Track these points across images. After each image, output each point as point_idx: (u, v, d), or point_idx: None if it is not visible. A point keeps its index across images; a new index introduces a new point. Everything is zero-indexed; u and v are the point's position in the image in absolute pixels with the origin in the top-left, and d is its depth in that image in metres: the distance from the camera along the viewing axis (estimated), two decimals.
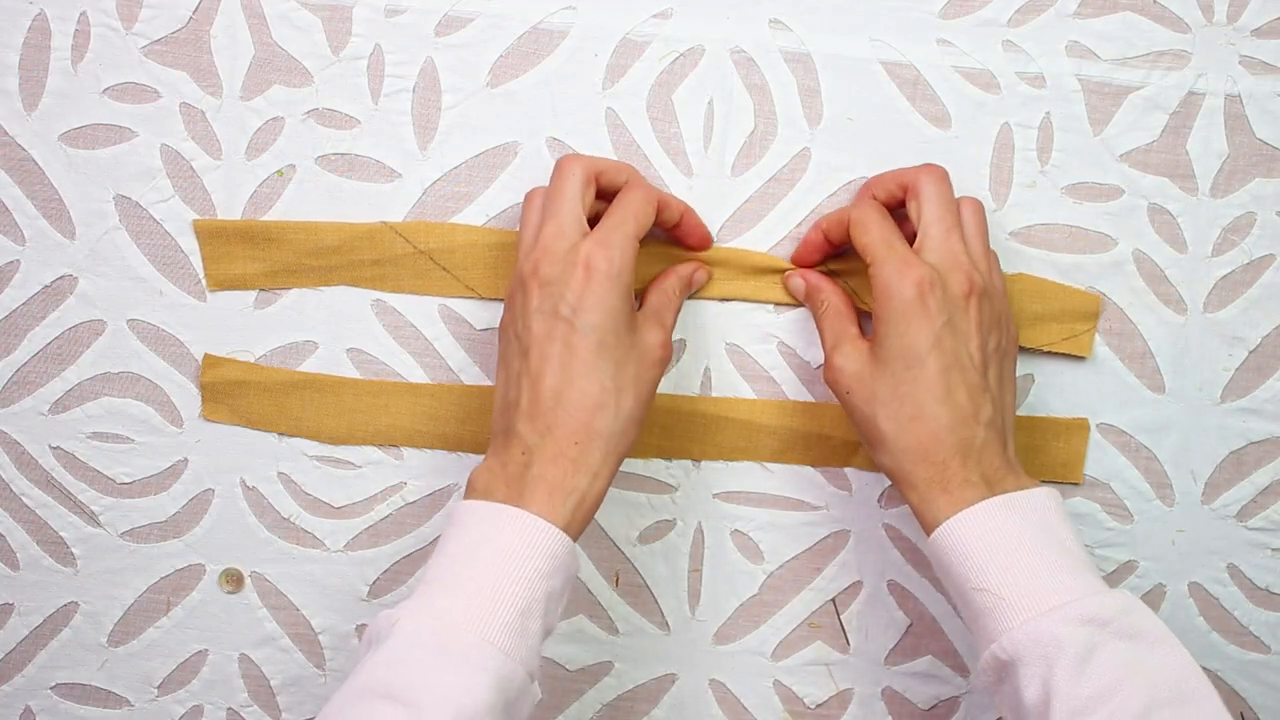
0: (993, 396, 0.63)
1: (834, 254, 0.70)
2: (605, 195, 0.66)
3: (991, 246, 0.70)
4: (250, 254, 0.70)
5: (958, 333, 0.63)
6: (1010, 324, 0.66)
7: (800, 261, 0.70)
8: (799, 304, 0.71)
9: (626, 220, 0.64)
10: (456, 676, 0.56)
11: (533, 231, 0.65)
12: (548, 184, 0.65)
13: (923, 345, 0.62)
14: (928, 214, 0.65)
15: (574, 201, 0.64)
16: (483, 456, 0.72)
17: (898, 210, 0.67)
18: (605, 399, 0.62)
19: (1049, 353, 0.71)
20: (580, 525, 0.62)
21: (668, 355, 0.65)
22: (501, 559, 0.59)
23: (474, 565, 0.59)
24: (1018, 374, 0.71)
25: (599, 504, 0.62)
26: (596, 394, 0.61)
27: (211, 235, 0.70)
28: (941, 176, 0.66)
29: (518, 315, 0.63)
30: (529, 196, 0.67)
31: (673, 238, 0.69)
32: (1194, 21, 0.70)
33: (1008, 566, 0.59)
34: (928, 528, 0.62)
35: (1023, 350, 0.71)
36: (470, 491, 0.62)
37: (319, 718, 0.56)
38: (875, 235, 0.65)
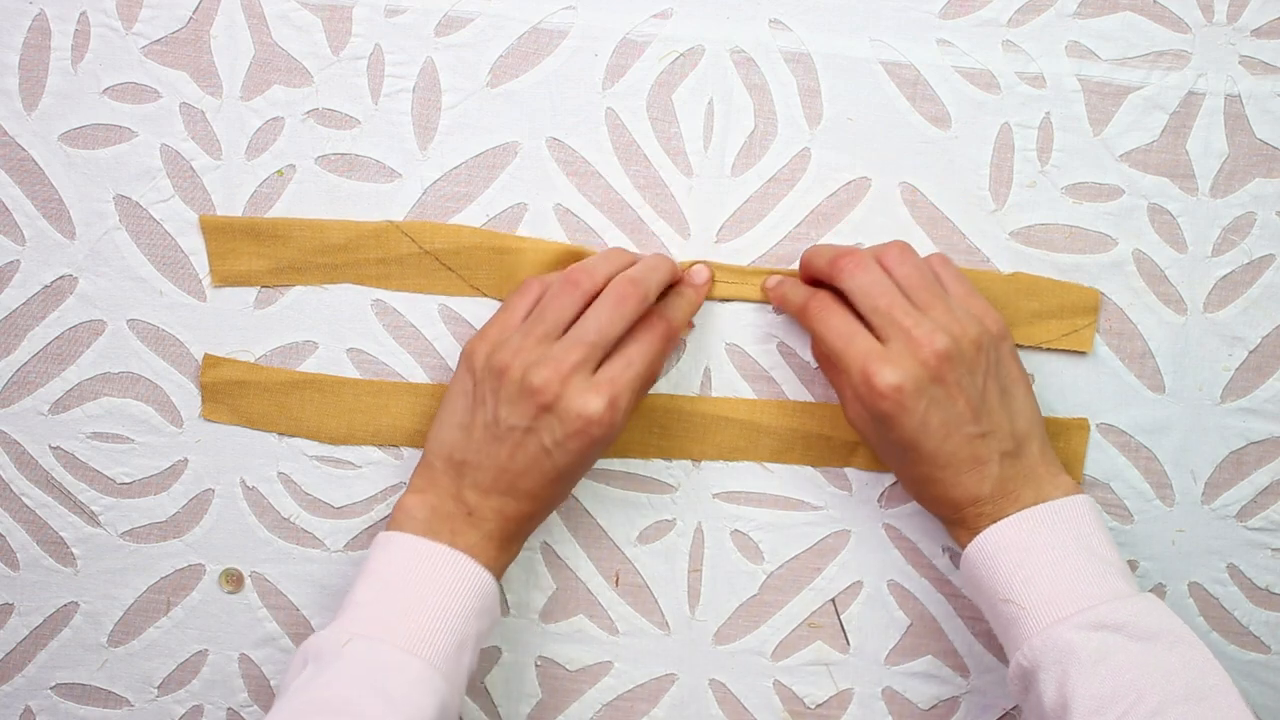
0: (996, 424, 0.63)
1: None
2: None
3: (991, 247, 0.71)
4: (256, 250, 0.70)
5: (937, 403, 0.63)
6: (989, 315, 0.65)
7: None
8: None
9: (641, 373, 0.65)
10: (410, 698, 0.58)
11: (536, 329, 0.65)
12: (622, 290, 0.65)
13: (908, 435, 0.63)
14: (862, 307, 0.64)
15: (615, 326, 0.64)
16: None
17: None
18: (556, 494, 0.65)
19: (1050, 350, 0.71)
20: (503, 569, 0.65)
21: (615, 433, 0.65)
22: (440, 595, 0.61)
23: (415, 597, 0.61)
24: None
25: (518, 552, 0.67)
26: (550, 493, 0.65)
27: (217, 231, 0.70)
28: (859, 264, 0.65)
29: (500, 397, 0.63)
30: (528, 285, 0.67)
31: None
32: (1194, 21, 0.70)
33: (1029, 578, 0.61)
34: (960, 543, 0.65)
35: (1022, 349, 0.71)
36: (405, 521, 0.64)
37: None
38: (839, 337, 0.64)
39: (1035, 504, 0.63)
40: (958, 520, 0.64)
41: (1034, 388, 0.72)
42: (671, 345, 0.67)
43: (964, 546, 0.64)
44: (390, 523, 0.65)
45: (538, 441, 0.63)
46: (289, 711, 0.58)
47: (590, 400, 0.62)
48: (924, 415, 0.62)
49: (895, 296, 0.64)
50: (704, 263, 0.70)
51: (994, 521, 0.63)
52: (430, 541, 0.63)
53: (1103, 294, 0.71)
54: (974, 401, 0.63)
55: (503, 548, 0.65)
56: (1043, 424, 0.66)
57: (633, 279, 0.65)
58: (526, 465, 0.63)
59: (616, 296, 0.64)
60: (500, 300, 0.71)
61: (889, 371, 0.62)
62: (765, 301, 0.71)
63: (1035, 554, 0.61)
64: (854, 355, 0.63)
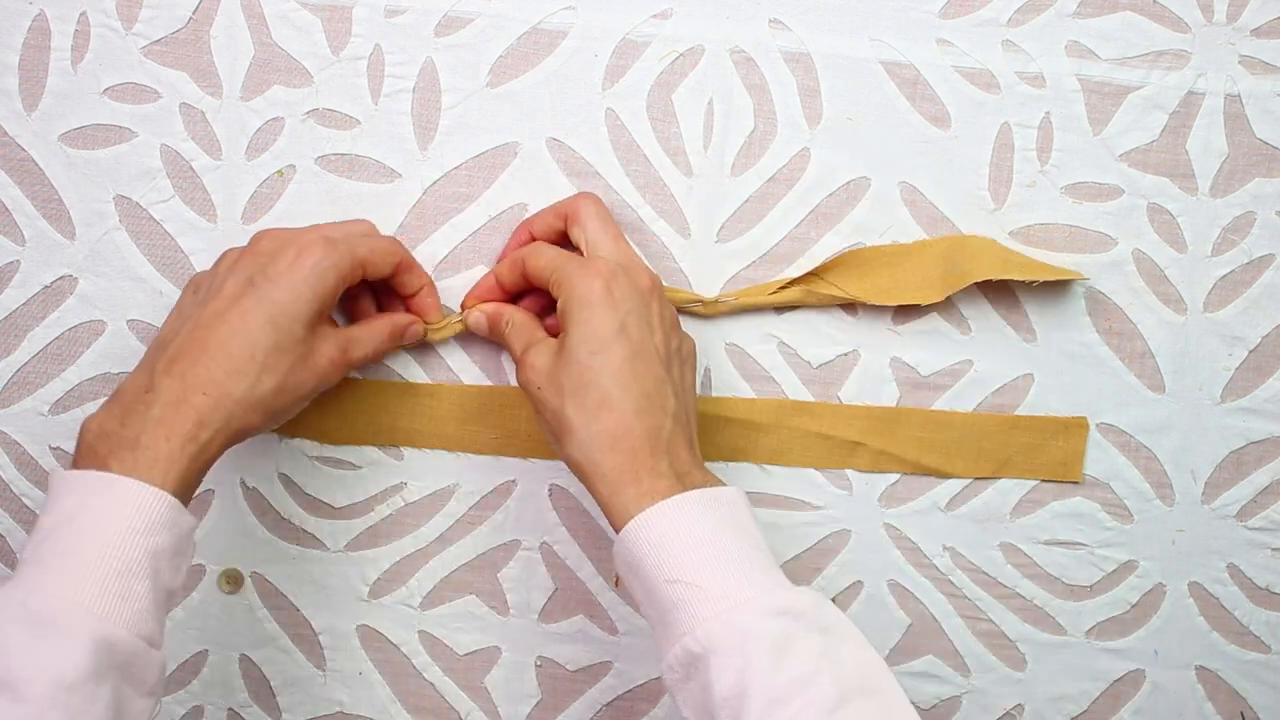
0: (676, 390, 0.63)
1: (507, 298, 0.69)
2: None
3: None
4: None
5: (642, 322, 0.63)
6: (687, 337, 0.66)
7: (500, 275, 0.69)
8: (801, 305, 0.71)
9: (362, 242, 0.65)
10: (49, 647, 0.54)
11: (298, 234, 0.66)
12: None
13: (608, 331, 0.62)
14: (593, 230, 0.66)
15: (333, 230, 0.66)
16: (483, 456, 0.72)
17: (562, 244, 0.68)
18: (248, 368, 0.61)
19: (1049, 354, 0.71)
20: (191, 483, 0.60)
21: (333, 375, 0.65)
22: (94, 524, 0.57)
23: (67, 536, 0.57)
24: (1019, 373, 0.71)
25: (208, 467, 0.61)
26: (243, 360, 0.61)
27: None
28: (597, 201, 0.68)
29: (215, 271, 0.65)
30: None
31: (406, 305, 0.70)
32: (1194, 21, 0.70)
33: (706, 559, 0.58)
34: (618, 521, 0.60)
35: (1021, 341, 0.71)
36: (80, 444, 0.60)
37: None
38: (549, 254, 0.66)
39: (708, 486, 0.60)
40: (627, 468, 0.60)
41: (1034, 387, 0.72)
42: (393, 255, 0.67)
43: (623, 510, 0.60)
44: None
45: (246, 281, 0.62)
46: None
47: (308, 233, 0.64)
48: (624, 319, 0.62)
49: (624, 239, 0.67)
50: (476, 311, 0.69)
51: (662, 498, 0.59)
52: (76, 472, 0.59)
53: (1103, 294, 0.71)
54: (666, 352, 0.64)
55: (184, 439, 0.60)
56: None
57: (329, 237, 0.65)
58: (225, 313, 0.61)
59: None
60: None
61: (605, 263, 0.64)
62: (767, 305, 0.71)
63: (709, 535, 0.59)
64: (576, 258, 0.65)
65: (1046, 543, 0.73)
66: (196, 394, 0.60)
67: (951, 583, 0.73)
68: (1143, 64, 0.70)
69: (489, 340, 0.70)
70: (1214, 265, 0.71)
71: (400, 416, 0.72)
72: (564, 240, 0.68)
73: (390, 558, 0.73)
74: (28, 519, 0.72)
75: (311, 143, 0.70)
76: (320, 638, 0.73)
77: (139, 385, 0.61)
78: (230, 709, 0.73)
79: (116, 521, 0.57)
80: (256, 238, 0.65)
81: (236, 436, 0.62)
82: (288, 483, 0.72)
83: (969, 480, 0.72)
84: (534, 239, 0.69)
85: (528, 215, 0.70)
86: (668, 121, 0.70)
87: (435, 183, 0.70)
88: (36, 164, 0.70)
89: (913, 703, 0.73)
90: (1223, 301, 0.71)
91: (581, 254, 0.66)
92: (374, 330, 0.68)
